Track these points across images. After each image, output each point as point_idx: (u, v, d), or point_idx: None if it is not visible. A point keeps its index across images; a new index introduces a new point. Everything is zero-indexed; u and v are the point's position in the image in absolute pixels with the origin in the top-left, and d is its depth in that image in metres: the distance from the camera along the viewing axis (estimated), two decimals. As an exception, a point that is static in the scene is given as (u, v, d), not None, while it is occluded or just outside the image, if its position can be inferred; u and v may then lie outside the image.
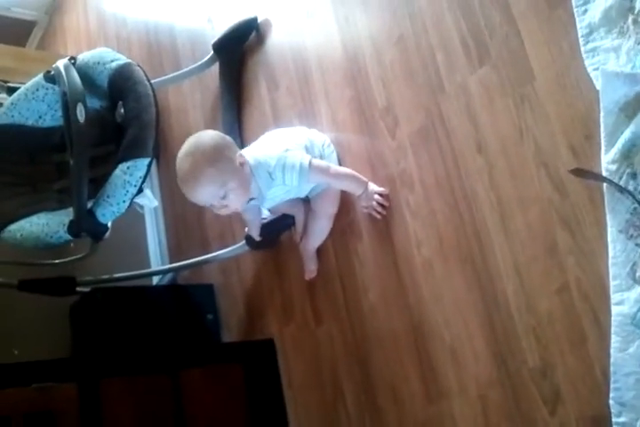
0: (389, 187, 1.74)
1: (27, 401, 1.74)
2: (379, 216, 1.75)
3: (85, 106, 1.75)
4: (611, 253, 1.22)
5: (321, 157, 1.85)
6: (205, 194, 1.71)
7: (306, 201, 1.94)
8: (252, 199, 1.81)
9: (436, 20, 1.61)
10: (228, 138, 1.79)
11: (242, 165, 1.73)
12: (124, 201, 1.75)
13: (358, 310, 1.83)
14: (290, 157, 1.76)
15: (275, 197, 1.85)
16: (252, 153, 1.82)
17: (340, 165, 1.87)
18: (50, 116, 2.03)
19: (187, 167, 1.70)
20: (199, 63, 2.41)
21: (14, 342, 2.28)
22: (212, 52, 2.36)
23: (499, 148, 1.46)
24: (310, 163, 1.75)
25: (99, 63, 1.91)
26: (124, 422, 1.84)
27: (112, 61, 1.90)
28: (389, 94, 1.75)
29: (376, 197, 1.74)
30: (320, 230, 1.92)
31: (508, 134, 1.44)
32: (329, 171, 1.79)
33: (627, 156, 1.21)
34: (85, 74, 1.89)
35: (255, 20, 2.27)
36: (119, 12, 3.28)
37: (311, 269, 1.96)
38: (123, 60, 1.92)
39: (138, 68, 1.89)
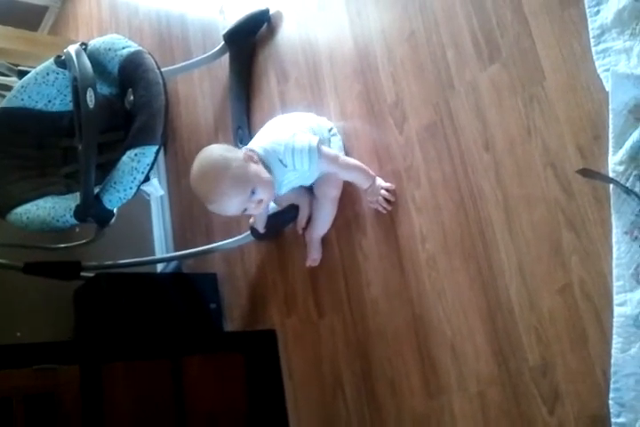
0: (395, 182, 1.74)
1: (28, 383, 1.76)
2: (384, 211, 1.75)
3: (95, 92, 1.75)
4: (615, 254, 1.22)
5: (329, 141, 1.87)
6: (236, 201, 1.72)
7: (311, 192, 1.94)
8: None
9: (448, 17, 1.61)
10: (224, 145, 1.85)
11: (250, 158, 1.75)
12: (130, 188, 1.76)
13: (360, 304, 1.83)
14: (297, 141, 1.77)
15: (289, 183, 1.85)
16: (259, 143, 1.83)
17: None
18: (59, 101, 2.04)
19: (207, 187, 1.73)
20: (209, 53, 2.41)
21: (17, 325, 2.30)
22: (223, 42, 2.36)
23: (506, 146, 1.46)
24: (318, 145, 1.76)
25: (110, 50, 1.91)
26: (124, 406, 1.86)
27: (123, 48, 1.91)
28: (399, 90, 1.75)
29: (382, 192, 1.74)
30: (325, 217, 1.92)
31: (515, 133, 1.44)
32: (338, 160, 1.80)
33: (634, 157, 1.21)
34: (96, 60, 1.89)
35: (267, 11, 2.27)
36: (131, 1, 3.28)
37: (314, 258, 1.96)
38: (134, 47, 1.92)
39: (149, 55, 1.89)
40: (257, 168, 1.74)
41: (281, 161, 1.77)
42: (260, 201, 1.76)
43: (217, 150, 1.78)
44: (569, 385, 1.32)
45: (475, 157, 1.53)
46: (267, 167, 1.78)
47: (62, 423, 1.77)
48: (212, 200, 1.74)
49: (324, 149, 1.79)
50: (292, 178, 1.84)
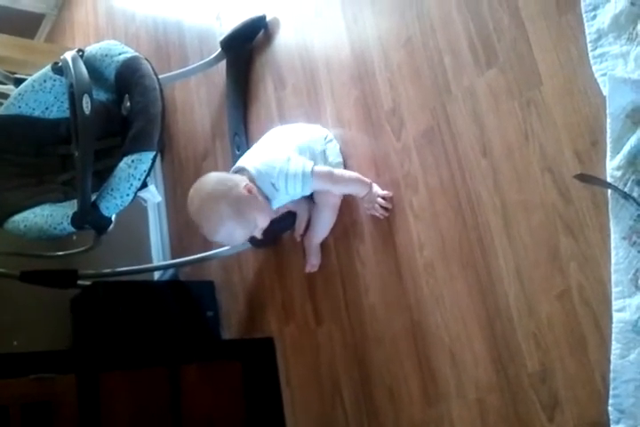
0: (393, 188, 1.73)
1: (25, 392, 1.74)
2: (382, 217, 1.74)
3: (92, 98, 1.75)
4: (613, 260, 1.22)
5: (324, 152, 1.86)
6: (242, 234, 1.77)
7: (310, 199, 1.93)
8: None
9: (445, 23, 1.61)
10: (224, 176, 1.81)
11: (250, 191, 1.73)
12: (127, 194, 1.75)
13: (359, 311, 1.82)
14: (292, 166, 1.76)
15: (281, 200, 1.85)
16: (253, 163, 1.81)
17: (345, 165, 1.87)
18: (56, 108, 2.04)
19: (211, 226, 1.74)
20: (206, 60, 2.41)
21: (14, 334, 2.28)
22: (220, 49, 2.36)
23: (504, 151, 1.46)
24: (312, 170, 1.76)
25: (106, 56, 1.91)
26: (121, 415, 1.85)
27: (120, 54, 1.91)
28: (396, 96, 1.75)
29: (379, 200, 1.74)
30: (324, 223, 1.91)
31: (513, 138, 1.44)
32: (332, 177, 1.79)
33: (632, 162, 1.21)
34: (93, 66, 1.89)
35: (263, 18, 2.27)
36: (128, 8, 3.28)
37: (313, 264, 1.96)
38: (130, 53, 1.92)
39: (145, 61, 1.89)
40: (255, 202, 1.74)
41: (273, 185, 1.77)
42: (260, 228, 1.78)
43: (213, 185, 1.75)
44: (568, 391, 1.31)
45: (472, 163, 1.53)
46: (258, 188, 1.77)
47: (59, 432, 1.76)
48: (218, 238, 1.78)
49: (317, 169, 1.78)
50: (285, 197, 1.84)
